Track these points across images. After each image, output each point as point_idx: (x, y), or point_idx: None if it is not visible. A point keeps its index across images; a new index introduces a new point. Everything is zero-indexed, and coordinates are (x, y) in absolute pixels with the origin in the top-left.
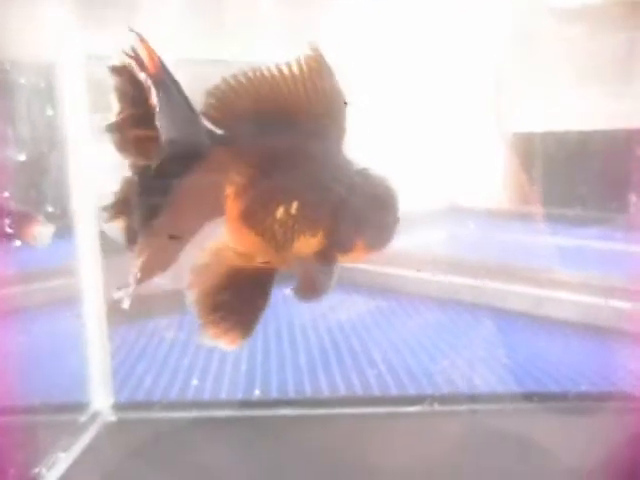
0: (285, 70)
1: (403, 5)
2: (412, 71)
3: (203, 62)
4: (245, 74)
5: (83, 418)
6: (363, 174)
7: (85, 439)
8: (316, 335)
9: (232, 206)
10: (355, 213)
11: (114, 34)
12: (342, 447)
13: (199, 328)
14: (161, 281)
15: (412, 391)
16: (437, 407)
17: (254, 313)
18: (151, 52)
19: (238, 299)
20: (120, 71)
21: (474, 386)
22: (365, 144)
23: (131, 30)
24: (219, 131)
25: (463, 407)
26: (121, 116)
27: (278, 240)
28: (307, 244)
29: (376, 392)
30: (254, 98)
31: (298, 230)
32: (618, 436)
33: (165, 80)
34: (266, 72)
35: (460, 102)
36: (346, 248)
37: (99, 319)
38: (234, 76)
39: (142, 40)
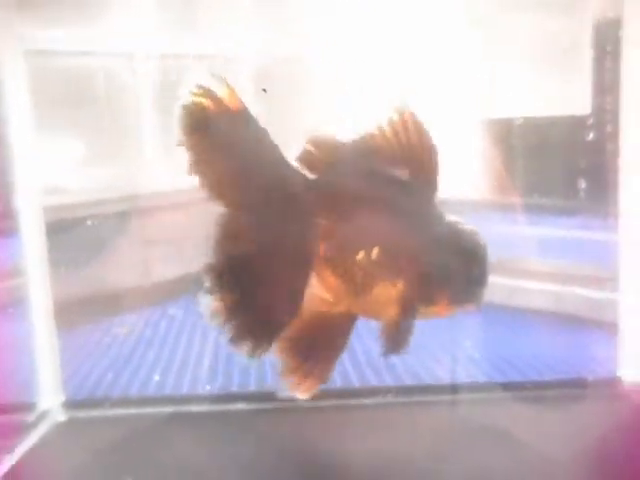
0: (384, 128)
1: None
2: (386, 60)
3: (175, 56)
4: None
5: (30, 418)
6: (452, 227)
7: (31, 440)
8: None
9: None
10: (439, 266)
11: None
12: (303, 440)
13: (279, 376)
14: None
15: (375, 382)
16: (400, 399)
17: (331, 360)
18: (232, 90)
19: (317, 345)
20: (195, 123)
21: (439, 377)
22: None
23: (212, 75)
24: (311, 175)
25: (428, 398)
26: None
27: (357, 284)
28: (387, 292)
29: (338, 384)
30: (350, 149)
31: (378, 276)
32: (583, 423)
33: (249, 120)
34: (364, 131)
35: (433, 90)
36: (428, 301)
37: (47, 318)
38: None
39: (221, 79)
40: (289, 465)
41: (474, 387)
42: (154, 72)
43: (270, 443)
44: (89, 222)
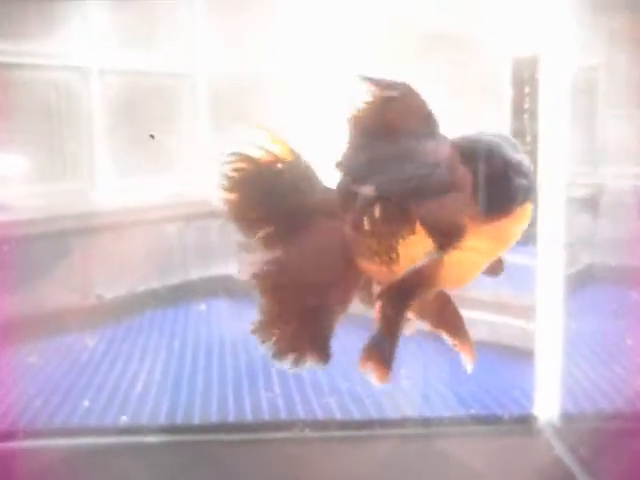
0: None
1: None
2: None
3: (128, 72)
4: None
5: None
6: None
7: None
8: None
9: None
10: (445, 188)
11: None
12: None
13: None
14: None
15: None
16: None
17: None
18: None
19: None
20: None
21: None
22: None
23: (260, 128)
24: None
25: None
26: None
27: (388, 254)
28: (416, 245)
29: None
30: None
31: (394, 234)
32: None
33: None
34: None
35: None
36: (456, 232)
37: None
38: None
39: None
40: None
41: (389, 423)
42: (109, 88)
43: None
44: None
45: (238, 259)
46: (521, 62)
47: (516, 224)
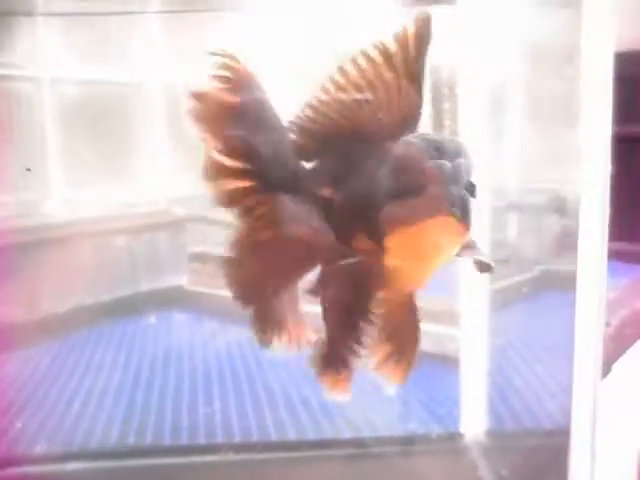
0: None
1: None
2: None
3: (82, 82)
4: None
5: None
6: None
7: None
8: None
9: None
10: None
11: None
12: None
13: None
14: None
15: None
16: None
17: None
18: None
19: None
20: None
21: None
22: None
23: (217, 53)
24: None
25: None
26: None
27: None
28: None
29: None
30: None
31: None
32: None
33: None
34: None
35: None
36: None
37: None
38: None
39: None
40: None
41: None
42: (62, 97)
43: None
44: None
45: (189, 270)
46: (440, 78)
47: (430, 237)
